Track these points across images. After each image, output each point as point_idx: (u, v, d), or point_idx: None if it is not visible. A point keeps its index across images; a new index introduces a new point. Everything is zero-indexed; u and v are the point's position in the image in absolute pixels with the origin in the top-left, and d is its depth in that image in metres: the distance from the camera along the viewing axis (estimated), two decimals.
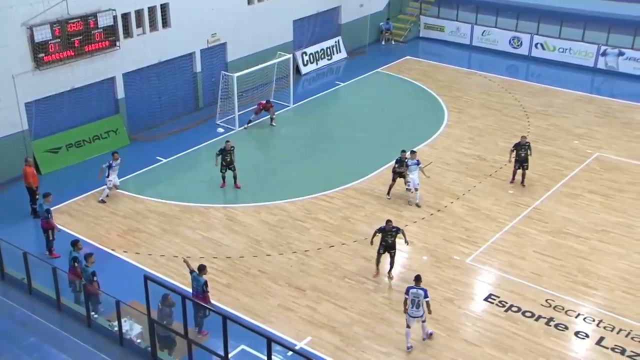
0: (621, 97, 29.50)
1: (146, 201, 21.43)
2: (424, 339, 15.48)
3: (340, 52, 34.36)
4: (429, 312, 15.19)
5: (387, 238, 17.62)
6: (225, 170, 21.97)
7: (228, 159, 21.83)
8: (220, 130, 26.34)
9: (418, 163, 20.99)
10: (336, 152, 24.78)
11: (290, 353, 14.71)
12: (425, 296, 15.04)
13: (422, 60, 34.27)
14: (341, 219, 20.43)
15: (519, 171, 22.02)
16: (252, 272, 18.01)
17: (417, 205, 21.06)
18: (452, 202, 21.27)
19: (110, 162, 20.96)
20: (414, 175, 20.88)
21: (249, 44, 28.97)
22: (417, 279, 15.29)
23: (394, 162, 21.51)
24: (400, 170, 21.15)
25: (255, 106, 26.50)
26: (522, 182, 22.08)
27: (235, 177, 22.04)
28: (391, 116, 27.77)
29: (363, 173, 23.04)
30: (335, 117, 28.09)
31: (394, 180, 21.42)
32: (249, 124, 26.39)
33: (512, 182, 22.21)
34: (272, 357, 11.10)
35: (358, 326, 16.01)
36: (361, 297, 17.04)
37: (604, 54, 32.09)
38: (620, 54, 31.65)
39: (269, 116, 26.58)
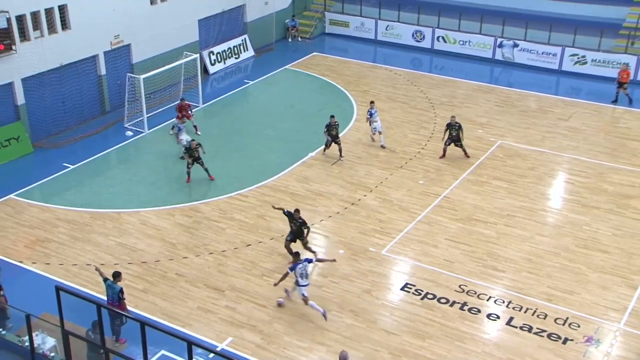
0: (518, 86, 30.85)
1: (54, 209, 20.69)
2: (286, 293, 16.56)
3: (247, 50, 34.24)
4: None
5: (292, 225, 18.06)
6: (192, 166, 22.05)
7: (196, 155, 21.95)
8: (129, 133, 25.74)
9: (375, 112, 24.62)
10: (248, 151, 24.72)
11: (211, 355, 14.62)
12: (310, 261, 16.41)
13: (329, 55, 34.63)
14: (256, 217, 20.42)
15: (458, 148, 23.70)
16: (169, 276, 17.75)
17: (382, 147, 24.47)
18: (365, 195, 21.65)
19: (178, 125, 23.64)
20: (377, 121, 24.46)
21: (154, 45, 28.41)
22: (297, 254, 16.42)
23: (324, 127, 23.70)
24: (331, 134, 23.58)
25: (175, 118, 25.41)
26: (466, 154, 23.79)
27: (207, 170, 22.27)
28: (301, 112, 27.95)
29: (276, 170, 23.10)
30: (245, 115, 27.98)
31: (327, 145, 23.79)
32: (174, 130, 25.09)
33: (442, 157, 23.81)
34: None
35: (278, 323, 16.08)
36: (280, 294, 17.09)
37: (501, 45, 33.47)
38: (515, 45, 33.11)
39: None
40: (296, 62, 33.35)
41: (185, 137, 23.43)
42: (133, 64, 27.89)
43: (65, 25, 24.91)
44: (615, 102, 28.57)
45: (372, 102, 25.08)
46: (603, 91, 29.93)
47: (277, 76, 31.82)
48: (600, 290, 17.33)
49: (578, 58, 31.78)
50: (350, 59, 34.06)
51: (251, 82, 31.09)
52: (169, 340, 11.21)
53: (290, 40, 36.84)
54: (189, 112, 25.32)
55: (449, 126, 23.49)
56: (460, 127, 23.43)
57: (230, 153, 24.50)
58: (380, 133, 24.64)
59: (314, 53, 34.75)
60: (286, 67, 32.73)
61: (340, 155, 23.71)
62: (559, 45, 32.16)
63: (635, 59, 30.71)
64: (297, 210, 18.14)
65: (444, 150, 23.74)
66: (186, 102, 25.48)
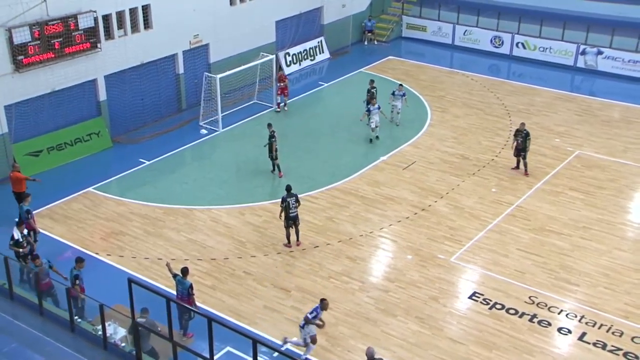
0: (600, 95, 29.80)
1: (129, 204, 21.32)
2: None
3: (323, 52, 34.40)
4: (314, 339, 14.85)
5: (290, 212, 18.49)
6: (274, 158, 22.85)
7: (267, 145, 22.74)
8: (204, 131, 26.28)
9: (404, 94, 26.42)
10: (320, 152, 24.82)
11: (276, 354, 14.70)
12: (311, 313, 14.69)
13: (405, 60, 34.40)
14: (325, 219, 20.46)
15: (520, 159, 22.93)
16: (237, 274, 17.99)
17: (397, 124, 26.30)
18: (436, 201, 21.37)
19: (369, 107, 24.85)
20: (397, 103, 26.13)
21: (231, 45, 28.92)
22: (322, 301, 14.84)
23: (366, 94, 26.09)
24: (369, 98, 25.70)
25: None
26: (525, 171, 22.83)
27: (277, 167, 22.98)
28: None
29: (347, 173, 23.09)
30: (318, 117, 28.08)
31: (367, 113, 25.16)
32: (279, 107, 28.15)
33: (515, 168, 23.04)
34: (258, 358, 11.08)
35: (343, 326, 16.04)
36: (346, 296, 17.09)
37: (583, 52, 32.39)
38: (599, 52, 31.97)
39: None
40: (371, 65, 33.27)
41: (375, 120, 24.81)
42: (210, 64, 28.47)
43: (147, 24, 25.68)
44: None
45: (400, 85, 26.98)
46: None
47: (352, 79, 31.82)
48: None
49: None
50: (426, 64, 33.71)
51: (325, 84, 31.21)
52: (235, 337, 11.37)
53: (366, 43, 36.78)
54: (285, 85, 27.63)
55: (516, 132, 22.66)
56: (527, 135, 22.47)
57: (303, 154, 24.66)
58: (398, 113, 26.27)
59: (390, 57, 34.58)
60: (361, 70, 32.68)
61: None
62: None
63: None
64: (288, 187, 18.74)
65: (517, 162, 22.91)
66: (283, 73, 26.43)
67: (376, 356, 13.30)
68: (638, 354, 15.14)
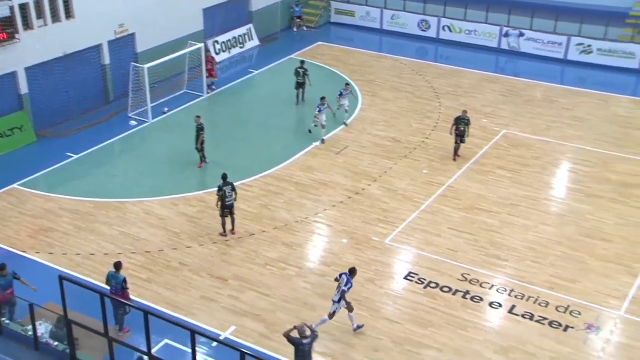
0: (523, 75, 30.71)
1: (58, 199, 20.78)
2: (354, 330, 15.52)
3: (252, 39, 34.19)
4: (349, 307, 15.25)
5: (226, 200, 18.42)
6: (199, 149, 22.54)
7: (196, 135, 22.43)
8: (133, 123, 25.79)
9: (350, 92, 26.34)
10: (252, 140, 24.75)
11: (214, 344, 14.72)
12: (346, 284, 15.06)
13: (334, 45, 34.55)
14: (260, 207, 20.47)
15: (456, 144, 23.08)
16: (173, 265, 17.83)
17: (345, 124, 25.46)
18: (369, 185, 21.66)
19: (319, 106, 24.17)
20: (345, 102, 25.73)
21: (158, 34, 28.39)
22: (351, 270, 15.34)
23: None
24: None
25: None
26: (455, 154, 23.06)
27: (201, 157, 22.80)
28: (306, 102, 27.90)
29: (280, 160, 23.12)
30: (249, 105, 27.94)
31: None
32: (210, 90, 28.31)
33: (454, 159, 23.04)
34: (197, 349, 11.04)
35: (282, 312, 16.14)
36: (283, 283, 17.18)
37: (506, 34, 33.29)
38: (521, 34, 32.93)
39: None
40: (301, 51, 33.27)
41: (321, 118, 24.29)
42: (137, 53, 27.89)
43: (69, 13, 24.90)
44: None
45: (346, 84, 26.45)
46: (608, 80, 29.87)
47: (282, 66, 31.75)
48: (601, 278, 17.34)
49: (584, 47, 31.60)
50: (355, 48, 33.95)
51: (256, 72, 31.06)
52: (173, 329, 11.23)
53: (295, 29, 36.74)
54: (214, 67, 27.52)
55: (458, 120, 22.90)
56: (468, 122, 22.94)
57: (234, 142, 24.53)
58: (346, 111, 25.73)
59: (319, 42, 34.67)
60: (291, 56, 32.63)
61: None
62: (564, 34, 32.00)
63: None
64: (224, 175, 18.78)
65: (455, 150, 23.04)
66: (210, 55, 26.06)
67: (307, 333, 13.38)
68: (561, 322, 15.82)
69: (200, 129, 22.21)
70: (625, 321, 15.97)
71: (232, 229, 19.05)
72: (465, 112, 23.16)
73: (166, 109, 26.55)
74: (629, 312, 16.19)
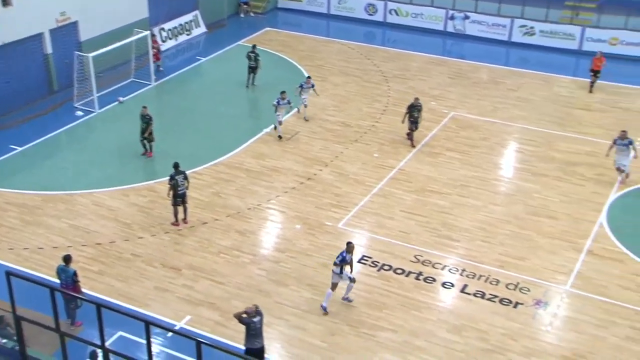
0: (470, 58, 31.19)
1: (3, 193, 20.24)
2: (343, 298, 16.11)
3: (199, 26, 33.76)
4: (352, 277, 15.78)
5: (178, 189, 18.28)
6: (143, 139, 22.03)
7: (143, 127, 21.89)
8: (80, 113, 25.24)
9: (313, 86, 24.96)
10: (202, 128, 24.53)
11: (170, 334, 14.63)
12: (337, 257, 15.62)
13: (282, 31, 34.41)
14: (212, 195, 20.34)
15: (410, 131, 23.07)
16: (125, 257, 17.60)
17: (305, 119, 24.56)
18: (320, 170, 21.73)
19: (279, 99, 23.10)
20: (306, 96, 24.56)
21: (102, 22, 27.73)
22: (348, 244, 15.75)
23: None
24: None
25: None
26: (411, 142, 23.06)
27: (150, 147, 22.25)
28: (255, 89, 27.77)
29: (231, 147, 22.98)
30: (198, 92, 27.67)
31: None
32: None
33: (413, 145, 22.97)
34: (152, 340, 10.94)
35: (237, 300, 16.11)
36: (237, 270, 17.16)
37: (452, 17, 33.71)
38: (466, 17, 33.39)
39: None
40: (249, 37, 33.02)
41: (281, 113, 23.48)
42: (81, 42, 27.23)
43: (6, 2, 24.07)
44: (591, 91, 27.21)
45: (308, 77, 25.45)
46: (550, 61, 30.60)
47: (230, 52, 31.49)
48: (548, 255, 17.83)
49: (527, 29, 32.27)
50: (303, 34, 33.90)
51: (204, 59, 30.73)
52: (127, 321, 11.08)
53: (242, 15, 36.44)
54: (159, 51, 27.63)
55: (411, 107, 22.85)
56: (421, 108, 22.97)
57: (184, 131, 24.27)
58: (305, 106, 24.64)
59: (267, 28, 34.47)
60: (239, 43, 32.39)
61: None
62: (508, 16, 32.58)
63: (580, 29, 31.35)
64: (176, 164, 18.64)
65: (411, 137, 23.02)
66: (155, 38, 25.80)
67: (256, 319, 13.45)
68: (512, 299, 16.23)
69: (149, 120, 21.85)
70: (571, 295, 16.49)
71: (185, 218, 18.90)
72: (417, 99, 23.21)
73: (121, 98, 25.97)
74: (574, 287, 16.71)
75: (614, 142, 20.75)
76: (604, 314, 15.81)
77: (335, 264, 15.58)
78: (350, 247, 15.67)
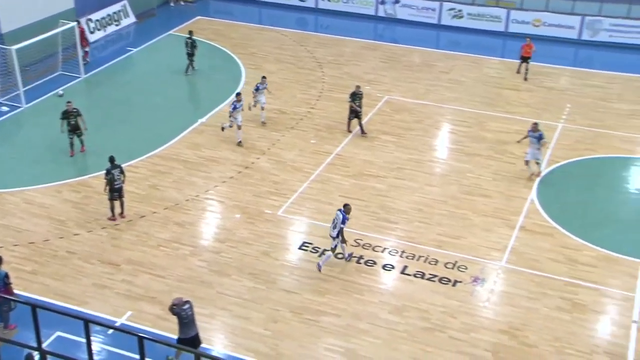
0: (402, 42, 31.57)
1: None
2: (346, 259, 17.06)
3: (128, 16, 33.01)
4: (344, 239, 16.71)
5: (115, 184, 18.08)
6: (73, 136, 21.21)
7: (73, 122, 21.04)
8: (5, 108, 24.42)
9: (266, 86, 23.73)
10: (136, 120, 24.10)
11: (111, 331, 14.41)
12: (342, 222, 16.34)
13: (214, 19, 34.01)
14: (149, 188, 20.04)
15: (355, 120, 22.91)
16: (60, 255, 17.19)
17: (263, 123, 23.37)
18: (258, 158, 21.67)
19: (235, 104, 21.83)
20: (261, 98, 23.30)
21: (24, 13, 26.79)
22: (345, 206, 16.59)
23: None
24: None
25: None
26: (362, 130, 22.96)
27: (82, 142, 21.52)
28: (189, 78, 27.42)
29: (166, 139, 22.66)
30: (130, 84, 27.15)
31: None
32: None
33: (349, 130, 23.03)
34: (92, 338, 10.76)
35: (178, 292, 15.91)
36: (178, 263, 17.00)
37: (383, 2, 33.99)
38: (396, 1, 33.74)
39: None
40: (180, 27, 32.50)
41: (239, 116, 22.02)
42: (3, 34, 26.24)
43: None
44: (526, 78, 26.99)
45: (263, 77, 23.90)
46: (479, 43, 31.28)
47: (161, 42, 30.96)
48: (484, 232, 18.33)
49: (455, 12, 32.85)
50: (235, 22, 33.60)
51: (134, 50, 30.11)
52: (64, 320, 10.89)
53: (172, 4, 35.82)
54: (87, 40, 27.00)
55: (354, 96, 22.73)
56: (362, 96, 22.88)
57: (118, 123, 23.77)
58: (262, 109, 23.42)
59: (198, 17, 33.99)
60: (170, 32, 31.86)
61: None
62: (437, 0, 33.04)
63: (505, 12, 32.15)
64: (111, 158, 18.33)
65: (349, 126, 23.08)
66: (82, 26, 25.86)
67: (185, 307, 13.40)
68: (450, 278, 16.63)
69: (77, 115, 21.20)
70: (507, 271, 17.01)
71: (122, 212, 18.57)
72: (358, 86, 23.13)
73: (61, 91, 25.12)
74: (509, 262, 17.25)
75: (528, 134, 20.55)
76: (536, 286, 16.38)
77: (339, 228, 16.35)
78: (348, 208, 16.58)
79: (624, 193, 20.56)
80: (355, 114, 22.88)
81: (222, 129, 22.64)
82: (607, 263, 17.19)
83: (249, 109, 23.16)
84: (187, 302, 13.53)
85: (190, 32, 27.57)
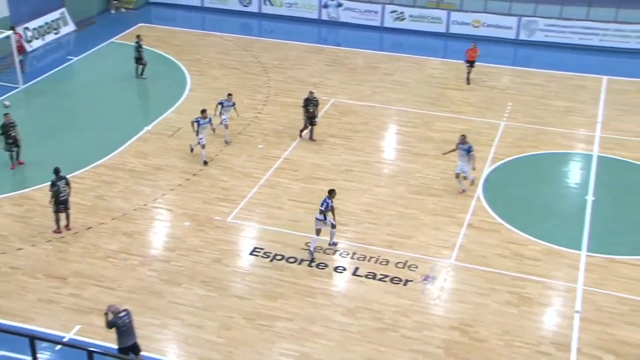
0: (346, 44, 31.83)
1: None
2: (330, 244, 17.71)
3: (67, 24, 32.34)
4: (334, 223, 17.45)
5: (60, 195, 17.71)
6: (13, 149, 20.69)
7: (13, 134, 20.47)
8: None
9: (234, 104, 22.91)
10: (80, 130, 23.63)
11: (58, 347, 14.08)
12: (326, 208, 17.13)
13: (156, 26, 33.63)
14: (95, 199, 19.68)
15: (309, 126, 22.80)
16: (3, 271, 16.70)
17: (227, 142, 22.63)
18: (206, 164, 21.50)
19: (198, 119, 21.10)
20: (226, 116, 22.64)
21: None
22: (330, 192, 17.36)
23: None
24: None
25: None
26: (311, 137, 22.90)
27: (18, 154, 20.91)
28: (133, 86, 27.05)
29: (111, 148, 22.29)
30: (73, 93, 26.62)
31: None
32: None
33: (300, 136, 22.92)
34: (38, 355, 10.52)
35: (128, 304, 15.62)
36: (127, 273, 16.73)
37: (326, 5, 34.21)
38: (339, 4, 34.01)
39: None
40: (122, 34, 32.03)
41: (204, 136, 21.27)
42: None
43: None
44: (469, 83, 27.42)
45: (229, 95, 23.02)
46: (421, 44, 31.79)
47: (103, 50, 30.44)
48: (433, 231, 18.61)
49: (397, 14, 33.31)
50: (179, 28, 33.33)
51: (75, 58, 29.52)
52: (9, 339, 10.66)
53: (113, 11, 35.27)
54: (24, 48, 26.28)
55: (307, 102, 22.60)
56: (317, 103, 22.85)
57: (61, 134, 23.26)
58: (226, 127, 22.68)
59: (140, 24, 33.55)
60: (112, 40, 31.36)
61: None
62: (379, 2, 33.47)
63: (446, 13, 32.76)
64: (56, 169, 17.93)
65: (302, 129, 22.96)
66: (19, 32, 25.38)
67: (120, 309, 13.27)
68: (402, 277, 16.84)
69: (10, 126, 20.63)
70: (456, 268, 17.31)
71: (68, 224, 18.18)
72: (312, 92, 22.98)
73: (7, 102, 24.35)
74: (458, 260, 17.56)
75: (457, 146, 19.98)
76: (485, 282, 16.72)
77: (320, 211, 17.03)
78: (333, 193, 17.26)
79: (565, 187, 21.18)
80: (310, 120, 22.81)
81: (191, 149, 21.83)
82: (550, 256, 17.68)
83: (213, 130, 22.52)
84: (125, 310, 13.32)
85: (138, 36, 27.32)
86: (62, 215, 18.05)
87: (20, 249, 17.52)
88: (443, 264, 17.41)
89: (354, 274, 16.98)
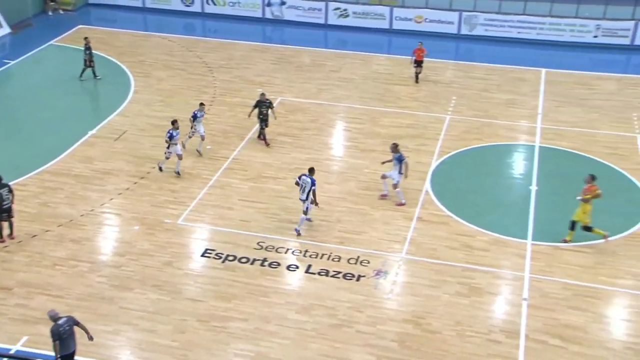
0: (291, 43, 31.83)
1: None
2: (308, 220, 18.44)
3: (1, 27, 31.43)
4: (316, 202, 18.12)
5: (3, 204, 17.30)
6: None
7: None
8: None
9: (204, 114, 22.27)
10: (21, 136, 23.04)
11: None
12: (312, 185, 17.82)
13: (97, 27, 32.99)
14: (40, 206, 19.23)
15: (264, 128, 22.56)
16: None
17: (200, 154, 21.93)
18: (153, 168, 21.24)
19: (171, 131, 20.48)
20: (200, 128, 21.91)
21: None
22: (310, 170, 18.07)
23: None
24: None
25: None
26: (265, 140, 22.64)
27: None
28: (76, 90, 26.49)
29: (55, 153, 21.81)
30: (12, 98, 25.92)
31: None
32: None
33: (267, 145, 22.55)
34: None
35: (78, 311, 15.36)
36: (76, 280, 16.42)
37: (269, 4, 34.14)
38: (283, 3, 34.00)
39: None
40: (61, 36, 31.33)
41: (174, 149, 20.60)
42: None
43: None
44: (417, 81, 27.28)
45: (201, 104, 22.28)
46: (366, 41, 32.06)
47: (42, 53, 29.72)
48: (383, 226, 18.82)
49: (341, 12, 33.50)
50: (120, 29, 32.78)
51: (13, 62, 28.74)
52: None
53: (50, 13, 34.45)
54: None
55: (260, 104, 22.39)
56: (270, 104, 22.68)
57: (1, 140, 22.63)
58: (203, 139, 21.97)
59: (80, 26, 32.87)
60: (51, 42, 30.65)
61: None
62: (322, 0, 33.54)
63: (389, 9, 33.10)
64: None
65: (263, 136, 22.60)
66: None
67: (61, 314, 13.08)
68: (354, 273, 16.98)
69: None
70: (407, 262, 17.55)
71: (11, 233, 17.72)
72: (263, 94, 22.70)
73: None
74: (409, 253, 17.81)
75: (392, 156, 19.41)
76: (436, 274, 17.01)
77: (313, 190, 17.90)
78: (313, 171, 18.07)
79: (510, 178, 21.70)
80: (265, 122, 22.65)
81: (160, 169, 21.02)
82: (498, 246, 18.10)
83: (185, 142, 21.79)
84: (67, 317, 13.08)
85: (85, 38, 26.79)
86: (5, 224, 17.59)
87: None
88: (394, 258, 17.63)
89: (307, 271, 17.05)
